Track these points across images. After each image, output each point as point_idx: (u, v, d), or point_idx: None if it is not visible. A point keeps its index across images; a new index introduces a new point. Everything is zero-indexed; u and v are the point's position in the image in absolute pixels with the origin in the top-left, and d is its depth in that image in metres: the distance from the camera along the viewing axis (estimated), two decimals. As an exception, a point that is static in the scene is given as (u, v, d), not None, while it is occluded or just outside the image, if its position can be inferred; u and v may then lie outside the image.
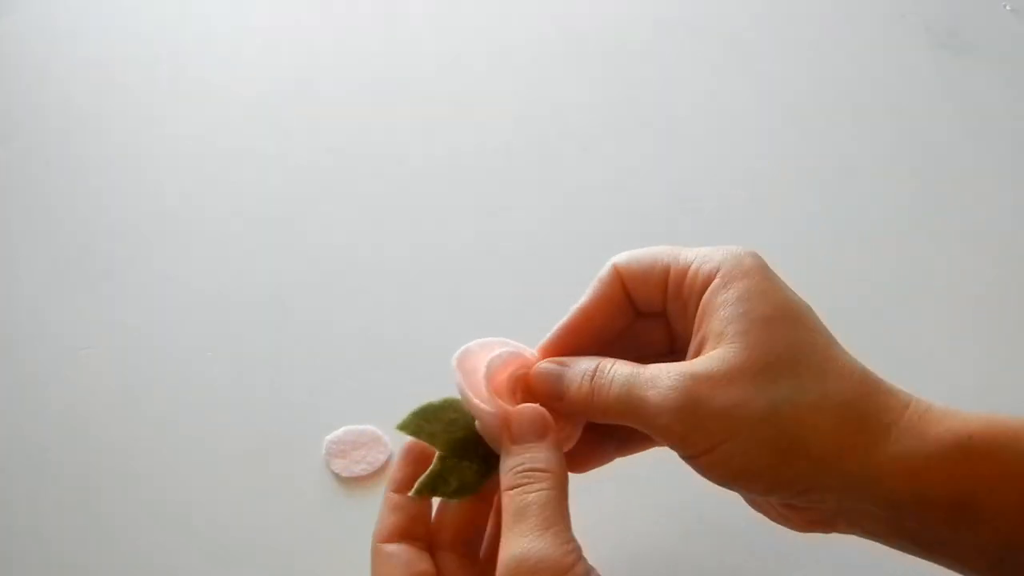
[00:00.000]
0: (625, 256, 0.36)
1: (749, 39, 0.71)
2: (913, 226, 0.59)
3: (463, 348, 0.35)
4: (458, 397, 0.35)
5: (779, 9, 0.74)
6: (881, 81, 0.68)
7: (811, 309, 0.33)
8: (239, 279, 0.56)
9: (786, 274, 0.34)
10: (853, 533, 0.33)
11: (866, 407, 0.30)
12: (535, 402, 0.34)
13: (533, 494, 0.31)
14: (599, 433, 0.37)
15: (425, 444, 0.35)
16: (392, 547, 0.34)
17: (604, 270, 0.36)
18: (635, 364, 0.33)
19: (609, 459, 0.38)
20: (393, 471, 0.36)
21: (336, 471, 0.47)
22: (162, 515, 0.46)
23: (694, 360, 0.32)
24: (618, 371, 0.33)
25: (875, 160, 0.63)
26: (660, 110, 0.66)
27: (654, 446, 0.38)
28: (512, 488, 0.31)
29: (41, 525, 0.46)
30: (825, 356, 0.31)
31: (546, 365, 0.35)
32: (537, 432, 0.33)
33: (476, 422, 0.35)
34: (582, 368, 0.34)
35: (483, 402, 0.34)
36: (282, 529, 0.46)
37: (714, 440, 0.30)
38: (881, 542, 0.32)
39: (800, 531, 0.34)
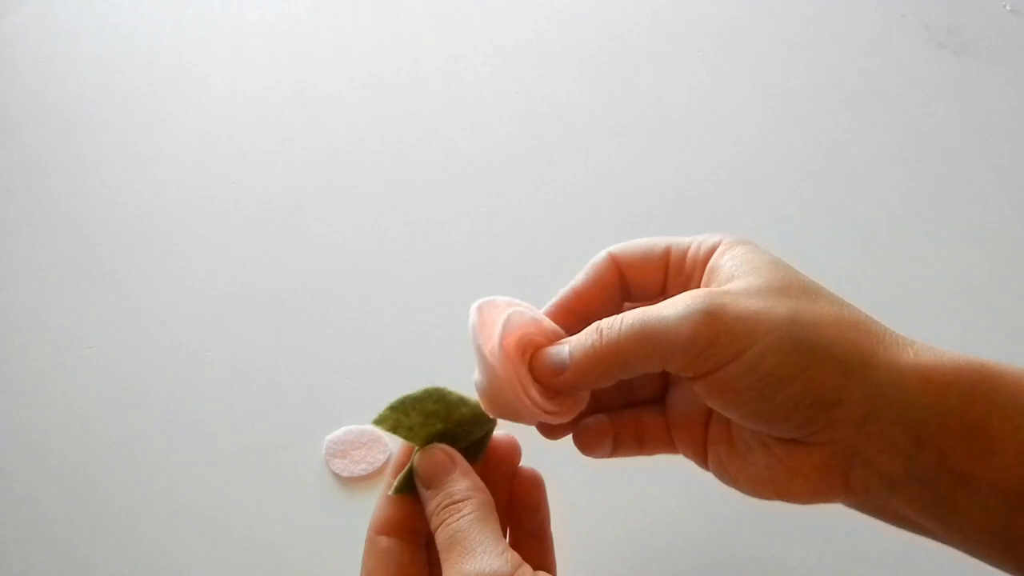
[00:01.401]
0: (621, 245, 0.36)
1: (749, 39, 0.71)
2: (913, 225, 0.59)
3: (487, 298, 0.34)
4: (439, 387, 0.34)
5: (779, 9, 0.74)
6: (881, 80, 0.68)
7: None
8: (239, 279, 0.56)
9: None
10: (859, 501, 0.31)
11: (881, 327, 0.31)
12: (539, 382, 0.33)
13: (456, 523, 0.31)
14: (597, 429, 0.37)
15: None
16: (385, 541, 0.34)
17: (598, 256, 0.36)
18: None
19: (604, 454, 0.37)
20: (395, 459, 0.36)
21: (336, 471, 0.47)
22: (162, 514, 0.46)
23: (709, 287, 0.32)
24: (627, 314, 0.32)
25: (875, 160, 0.63)
26: (660, 110, 0.66)
27: (645, 453, 0.37)
28: (438, 527, 0.32)
29: (42, 523, 0.46)
30: (831, 293, 0.32)
31: (547, 348, 0.34)
32: (442, 470, 0.33)
33: (476, 380, 0.34)
34: (584, 331, 0.33)
35: (490, 355, 0.33)
36: (282, 529, 0.46)
37: (743, 343, 0.29)
38: (893, 503, 0.31)
39: (804, 500, 0.32)
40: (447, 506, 0.32)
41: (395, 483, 0.34)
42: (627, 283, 0.36)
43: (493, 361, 0.33)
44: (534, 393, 0.33)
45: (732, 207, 0.60)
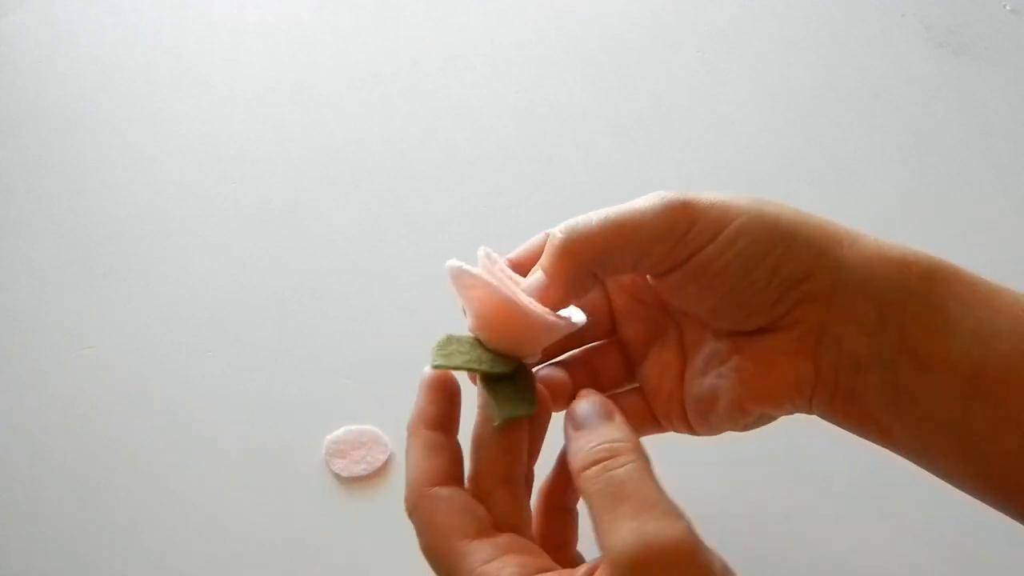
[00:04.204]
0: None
1: (749, 39, 0.71)
2: (912, 225, 0.59)
3: (460, 265, 0.32)
4: (453, 333, 0.33)
5: (779, 9, 0.74)
6: (881, 80, 0.68)
7: None
8: (239, 279, 0.56)
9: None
10: (829, 396, 0.32)
11: (841, 223, 0.33)
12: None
13: (622, 469, 0.27)
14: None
15: (450, 375, 0.32)
16: (445, 491, 0.30)
17: (542, 233, 0.35)
18: None
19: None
20: (421, 407, 0.32)
21: (336, 471, 0.47)
22: (162, 514, 0.46)
23: None
24: (592, 212, 0.32)
25: (875, 160, 0.63)
26: (660, 110, 0.66)
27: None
28: (593, 465, 0.27)
29: (42, 522, 0.46)
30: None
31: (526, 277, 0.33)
32: (603, 415, 0.29)
33: (469, 323, 0.32)
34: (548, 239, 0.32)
35: (473, 273, 0.31)
36: (282, 529, 0.46)
37: (719, 224, 0.31)
38: (859, 393, 0.31)
39: (778, 398, 0.32)
40: (608, 444, 0.28)
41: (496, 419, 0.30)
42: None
43: (477, 274, 0.31)
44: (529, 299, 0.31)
45: (732, 207, 0.60)
